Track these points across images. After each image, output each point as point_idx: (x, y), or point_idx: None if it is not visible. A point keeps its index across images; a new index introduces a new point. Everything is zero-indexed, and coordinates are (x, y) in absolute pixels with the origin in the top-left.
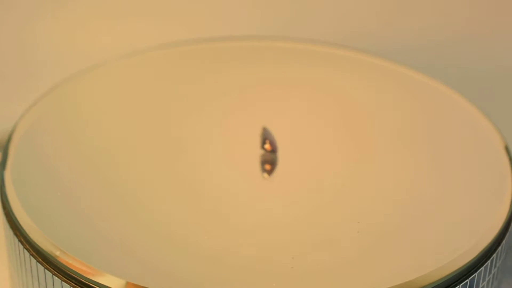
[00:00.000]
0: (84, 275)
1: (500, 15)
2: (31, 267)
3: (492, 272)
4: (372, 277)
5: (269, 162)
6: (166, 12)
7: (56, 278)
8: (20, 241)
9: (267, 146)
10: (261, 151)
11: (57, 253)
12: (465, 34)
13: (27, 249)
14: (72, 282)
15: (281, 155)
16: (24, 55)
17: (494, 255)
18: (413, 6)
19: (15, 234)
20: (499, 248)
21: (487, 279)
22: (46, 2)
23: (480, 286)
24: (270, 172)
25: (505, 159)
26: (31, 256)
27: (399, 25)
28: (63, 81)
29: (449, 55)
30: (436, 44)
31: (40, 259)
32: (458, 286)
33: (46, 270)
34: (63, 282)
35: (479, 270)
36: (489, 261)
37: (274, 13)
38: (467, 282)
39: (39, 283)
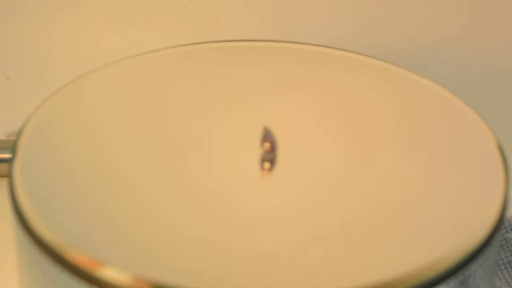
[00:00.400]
0: (91, 268)
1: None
2: (37, 262)
3: (485, 267)
4: (365, 273)
5: (269, 161)
6: (170, 18)
7: (64, 272)
8: (28, 236)
9: (267, 145)
10: (262, 151)
11: (65, 247)
12: (460, 36)
13: (35, 244)
14: (79, 276)
15: (281, 154)
16: (35, 58)
17: (487, 250)
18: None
19: (25, 230)
20: (493, 243)
21: (480, 274)
22: (57, 7)
23: (474, 281)
24: (269, 171)
25: (498, 157)
26: (39, 251)
27: (396, 29)
28: (72, 81)
29: (446, 57)
30: (434, 46)
31: (48, 254)
32: (452, 281)
33: (54, 265)
34: (70, 276)
35: (472, 265)
36: (482, 257)
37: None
38: (461, 276)
39: (47, 277)
